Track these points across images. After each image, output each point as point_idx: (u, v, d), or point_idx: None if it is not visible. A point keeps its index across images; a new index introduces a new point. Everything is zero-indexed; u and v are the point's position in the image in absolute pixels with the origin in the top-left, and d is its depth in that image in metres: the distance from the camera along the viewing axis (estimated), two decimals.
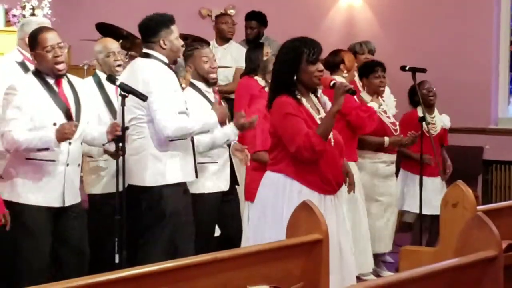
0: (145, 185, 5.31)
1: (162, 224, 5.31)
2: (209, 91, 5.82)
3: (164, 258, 5.08)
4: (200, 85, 5.78)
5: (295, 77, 4.66)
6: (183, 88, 5.64)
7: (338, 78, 5.84)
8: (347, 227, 4.93)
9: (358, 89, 6.78)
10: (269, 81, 5.92)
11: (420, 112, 6.89)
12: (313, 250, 4.18)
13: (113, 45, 5.84)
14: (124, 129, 4.90)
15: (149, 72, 5.30)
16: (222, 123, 5.49)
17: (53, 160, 4.86)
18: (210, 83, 5.81)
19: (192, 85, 5.79)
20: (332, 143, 4.69)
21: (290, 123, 4.60)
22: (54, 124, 4.80)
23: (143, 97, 4.99)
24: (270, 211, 4.65)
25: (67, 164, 4.91)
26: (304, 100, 4.69)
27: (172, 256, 5.20)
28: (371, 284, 3.54)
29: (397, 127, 6.88)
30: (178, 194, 5.33)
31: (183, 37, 7.95)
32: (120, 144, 4.90)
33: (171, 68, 5.39)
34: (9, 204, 4.78)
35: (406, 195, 7.11)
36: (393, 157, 6.93)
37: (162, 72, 5.31)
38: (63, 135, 4.70)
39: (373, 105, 6.61)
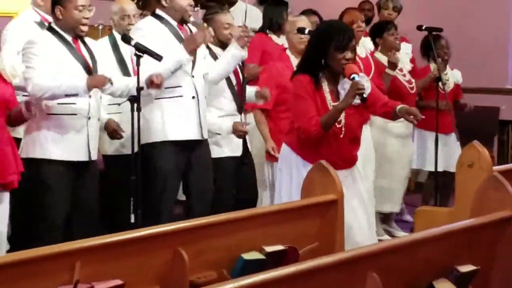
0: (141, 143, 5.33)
1: (154, 183, 5.30)
2: None
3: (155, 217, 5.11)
4: (216, 49, 5.71)
5: (323, 61, 4.66)
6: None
7: None
8: (364, 199, 4.92)
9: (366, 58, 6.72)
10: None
11: (432, 67, 6.83)
12: (328, 210, 4.20)
13: (129, 7, 5.76)
14: (139, 89, 4.88)
15: (136, 27, 5.38)
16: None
17: (75, 114, 4.87)
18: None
19: (208, 48, 5.72)
20: (343, 133, 4.68)
21: (299, 103, 4.64)
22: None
23: (158, 57, 4.96)
24: (284, 184, 4.74)
25: (89, 118, 4.92)
26: (325, 84, 4.69)
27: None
28: (387, 244, 3.55)
29: (413, 85, 6.82)
30: (165, 153, 5.29)
31: None
32: (136, 105, 4.89)
33: (171, 26, 5.32)
34: (30, 162, 4.78)
35: (422, 153, 7.07)
36: None
37: (147, 27, 5.29)
38: (95, 83, 4.73)
39: (389, 71, 6.59)
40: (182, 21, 5.39)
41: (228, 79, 5.69)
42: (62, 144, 4.84)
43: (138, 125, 4.90)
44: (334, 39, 4.61)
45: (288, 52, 5.98)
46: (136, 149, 4.92)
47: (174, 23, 5.35)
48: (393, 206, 6.91)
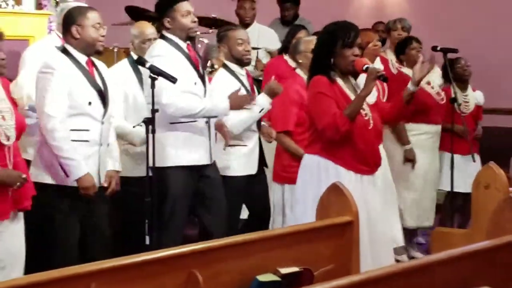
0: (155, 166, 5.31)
1: (165, 206, 5.29)
2: (242, 74, 5.79)
3: (172, 240, 5.11)
4: (234, 66, 5.75)
5: (332, 61, 4.68)
6: (215, 69, 5.61)
7: None
8: (385, 206, 4.93)
9: (390, 70, 6.73)
10: (299, 61, 5.98)
11: (452, 89, 6.86)
12: (343, 232, 4.18)
13: (150, 30, 5.78)
14: (154, 111, 4.88)
15: (152, 54, 5.29)
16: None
17: (87, 141, 4.86)
18: (244, 63, 5.79)
19: (225, 66, 5.78)
20: (371, 125, 4.70)
21: (320, 101, 4.63)
22: (90, 103, 4.82)
23: (172, 79, 4.96)
24: (311, 194, 4.63)
25: (100, 144, 4.92)
26: (339, 80, 4.71)
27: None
28: (403, 266, 3.54)
29: (443, 95, 6.81)
30: (178, 178, 5.29)
31: (211, 20, 8.00)
32: (150, 126, 4.89)
33: (180, 47, 5.32)
34: (41, 186, 4.75)
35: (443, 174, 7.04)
36: (437, 128, 6.86)
37: (164, 52, 5.27)
38: (85, 190, 4.76)
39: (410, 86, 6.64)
40: (188, 39, 5.39)
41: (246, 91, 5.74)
42: None
43: (153, 147, 4.90)
44: (340, 36, 4.64)
45: (298, 71, 6.00)
46: (150, 171, 4.92)
47: (183, 44, 5.34)
48: (426, 221, 6.86)
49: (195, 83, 5.30)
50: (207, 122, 5.36)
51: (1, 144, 4.25)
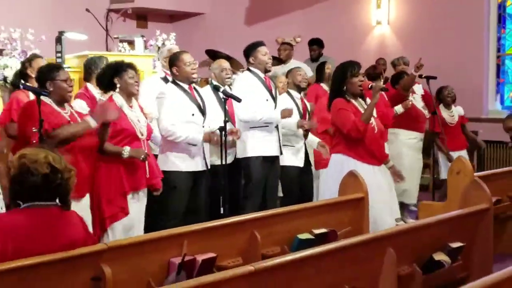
0: (238, 157, 5.41)
1: (248, 185, 5.33)
2: (298, 97, 5.88)
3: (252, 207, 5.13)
4: (293, 92, 5.88)
5: (344, 87, 4.72)
6: (279, 93, 5.68)
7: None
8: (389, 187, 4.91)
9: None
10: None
11: (440, 109, 6.74)
12: (358, 204, 4.18)
13: (226, 64, 5.86)
14: (226, 121, 4.90)
15: (238, 79, 5.46)
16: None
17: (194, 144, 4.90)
18: (302, 88, 5.94)
19: (288, 92, 5.90)
20: (376, 130, 4.70)
21: (342, 115, 4.65)
22: (193, 114, 4.87)
23: (238, 99, 5.00)
24: (336, 180, 4.59)
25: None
26: (352, 101, 4.74)
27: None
28: (400, 228, 3.52)
29: (427, 112, 6.70)
30: (257, 165, 5.30)
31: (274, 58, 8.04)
32: (223, 132, 4.87)
33: (258, 76, 5.38)
34: (163, 172, 4.76)
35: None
36: (422, 135, 6.73)
37: (244, 79, 5.39)
38: (207, 138, 4.83)
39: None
40: (265, 71, 5.44)
41: (298, 109, 5.78)
42: (185, 160, 4.86)
43: (225, 145, 4.88)
44: (349, 69, 4.72)
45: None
46: (223, 161, 4.92)
47: (261, 75, 5.41)
48: (412, 199, 6.76)
49: (267, 100, 5.37)
50: (274, 126, 5.39)
51: (138, 138, 4.40)
